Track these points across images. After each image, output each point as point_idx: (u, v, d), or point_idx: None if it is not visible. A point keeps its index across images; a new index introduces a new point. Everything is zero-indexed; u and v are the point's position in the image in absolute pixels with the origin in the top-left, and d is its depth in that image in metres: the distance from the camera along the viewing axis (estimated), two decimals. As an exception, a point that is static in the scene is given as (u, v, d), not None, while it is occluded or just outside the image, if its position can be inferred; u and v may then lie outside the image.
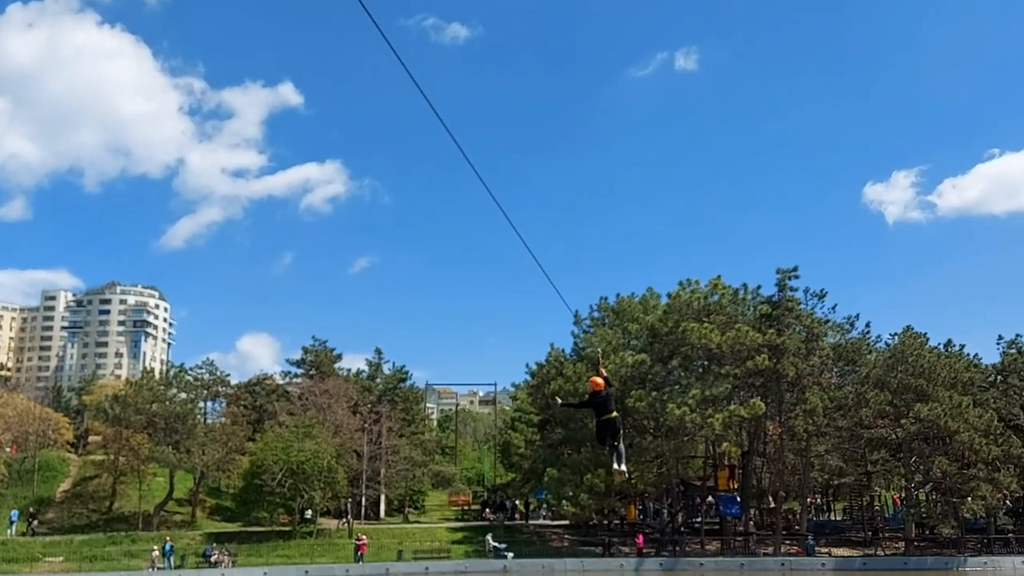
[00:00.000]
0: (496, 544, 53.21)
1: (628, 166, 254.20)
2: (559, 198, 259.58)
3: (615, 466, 13.66)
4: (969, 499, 50.41)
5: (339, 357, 74.39)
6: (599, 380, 13.08)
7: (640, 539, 54.35)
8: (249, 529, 57.03)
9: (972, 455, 49.96)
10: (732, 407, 51.60)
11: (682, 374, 55.46)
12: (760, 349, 51.96)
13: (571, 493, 55.00)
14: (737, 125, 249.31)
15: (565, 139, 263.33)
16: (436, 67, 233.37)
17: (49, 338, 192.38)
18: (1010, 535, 55.24)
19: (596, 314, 64.86)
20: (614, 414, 13.08)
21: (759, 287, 57.48)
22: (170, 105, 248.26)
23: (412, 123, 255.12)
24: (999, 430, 51.15)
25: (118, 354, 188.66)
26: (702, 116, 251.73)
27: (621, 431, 13.43)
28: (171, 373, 68.90)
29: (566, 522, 61.58)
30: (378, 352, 74.40)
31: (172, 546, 49.95)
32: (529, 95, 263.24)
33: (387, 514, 66.93)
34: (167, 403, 61.80)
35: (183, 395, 64.22)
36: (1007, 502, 55.04)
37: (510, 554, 52.15)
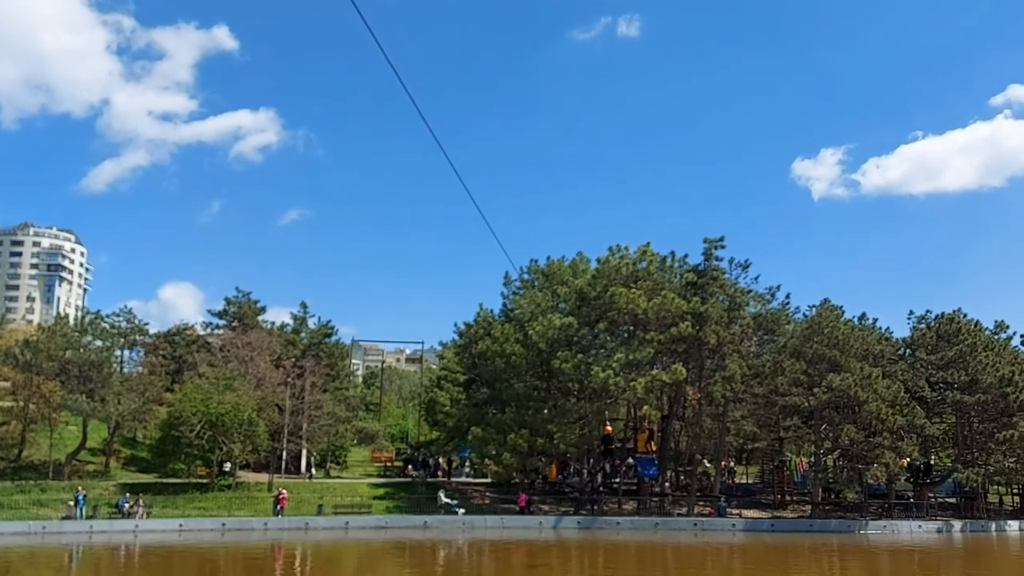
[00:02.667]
0: (448, 500, 53.44)
1: (563, 126, 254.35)
2: (494, 155, 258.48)
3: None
4: (873, 465, 52.82)
5: (263, 309, 73.04)
6: (609, 428, 38.61)
7: (522, 498, 54.26)
8: (165, 481, 55.95)
9: (878, 424, 52.19)
10: (654, 372, 52.67)
11: (608, 338, 56.30)
12: (684, 316, 52.97)
13: (494, 452, 55.50)
14: (673, 94, 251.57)
15: (503, 96, 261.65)
16: (378, 19, 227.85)
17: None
18: (910, 500, 58.30)
19: (526, 276, 65.20)
20: (612, 445, 36.92)
21: (686, 255, 58.59)
22: (97, 42, 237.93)
23: (350, 76, 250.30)
24: (905, 401, 53.54)
25: (30, 298, 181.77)
26: (640, 83, 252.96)
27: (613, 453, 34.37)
28: (86, 319, 66.56)
29: (488, 480, 62.27)
30: (303, 306, 73.34)
31: (84, 496, 48.77)
32: (471, 50, 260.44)
33: (308, 469, 66.54)
34: (81, 350, 59.78)
35: (99, 342, 62.18)
36: (907, 469, 57.90)
37: (461, 510, 52.35)
